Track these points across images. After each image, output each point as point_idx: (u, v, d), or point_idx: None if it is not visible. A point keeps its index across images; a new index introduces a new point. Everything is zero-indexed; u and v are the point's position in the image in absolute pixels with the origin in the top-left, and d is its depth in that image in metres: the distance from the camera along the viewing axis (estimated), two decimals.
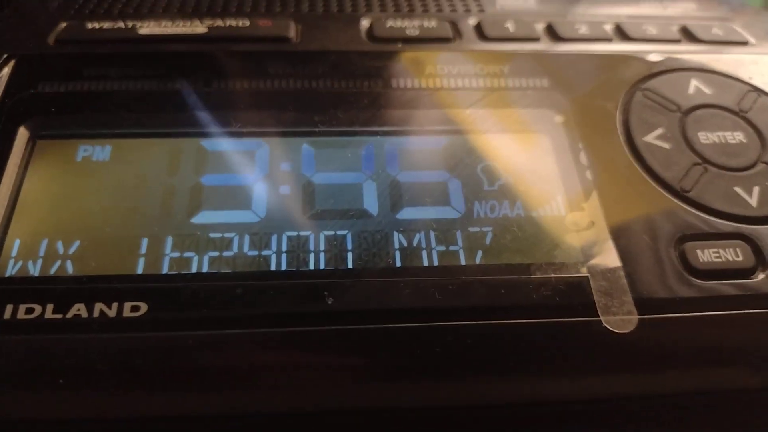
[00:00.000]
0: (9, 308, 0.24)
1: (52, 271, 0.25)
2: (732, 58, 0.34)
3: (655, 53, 0.33)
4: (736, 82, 0.32)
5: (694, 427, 0.27)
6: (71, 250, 0.26)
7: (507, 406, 0.25)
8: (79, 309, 0.24)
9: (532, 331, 0.24)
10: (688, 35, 0.35)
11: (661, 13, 0.38)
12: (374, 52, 0.32)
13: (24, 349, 0.23)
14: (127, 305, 0.24)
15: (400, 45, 0.33)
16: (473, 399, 0.25)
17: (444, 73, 0.32)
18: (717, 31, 0.35)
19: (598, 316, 0.24)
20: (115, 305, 0.24)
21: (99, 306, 0.24)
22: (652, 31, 0.35)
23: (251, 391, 0.24)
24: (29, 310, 0.24)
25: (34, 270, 0.25)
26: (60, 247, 0.26)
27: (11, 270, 0.25)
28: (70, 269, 0.25)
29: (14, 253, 0.25)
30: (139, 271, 0.25)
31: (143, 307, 0.24)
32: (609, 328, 0.24)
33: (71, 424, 0.24)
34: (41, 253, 0.26)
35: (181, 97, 0.30)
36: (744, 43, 0.35)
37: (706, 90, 0.32)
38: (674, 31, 0.35)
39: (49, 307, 0.24)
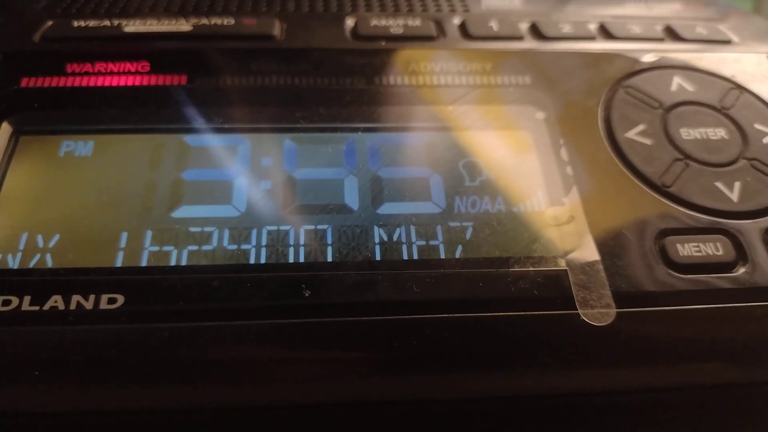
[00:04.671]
0: None
1: (32, 264, 0.25)
2: (715, 56, 0.34)
3: (638, 51, 0.33)
4: (718, 80, 0.32)
5: (672, 421, 0.27)
6: (51, 244, 0.26)
7: (484, 399, 0.25)
8: (56, 301, 0.24)
9: (510, 324, 0.24)
10: (672, 34, 0.35)
11: (646, 13, 0.38)
12: (358, 49, 0.32)
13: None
14: (104, 297, 0.24)
15: (384, 43, 0.33)
16: (450, 392, 0.25)
17: (427, 71, 0.32)
18: (701, 31, 0.35)
19: (577, 310, 0.24)
20: (92, 297, 0.24)
21: (76, 298, 0.24)
22: (635, 29, 0.35)
23: (227, 384, 0.24)
24: (6, 302, 0.24)
25: (13, 263, 0.25)
26: (40, 240, 0.26)
27: None
28: (49, 262, 0.25)
29: None
30: (118, 264, 0.25)
31: (120, 299, 0.24)
32: (587, 321, 0.24)
33: (46, 416, 0.24)
34: (21, 247, 0.26)
35: (164, 94, 0.30)
36: (728, 42, 0.35)
37: (689, 87, 0.32)
38: (658, 30, 0.35)
39: (26, 299, 0.24)
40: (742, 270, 0.26)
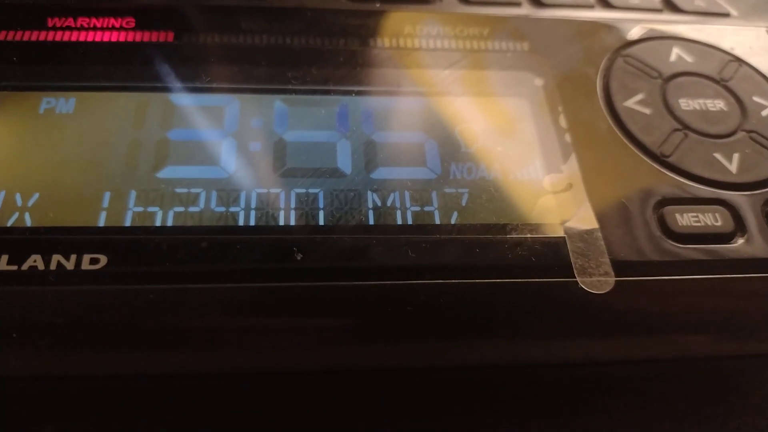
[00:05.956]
0: None
1: (9, 222, 0.24)
2: (714, 28, 0.33)
3: (636, 21, 0.33)
4: (717, 52, 0.32)
5: (666, 392, 0.27)
6: (30, 203, 0.25)
7: (479, 367, 0.24)
8: (35, 260, 0.23)
9: (507, 291, 0.23)
10: (670, 5, 0.34)
11: None
12: (352, 10, 0.31)
13: None
14: (86, 257, 0.23)
15: (378, 4, 0.32)
16: (446, 359, 0.24)
17: (423, 34, 0.31)
18: (699, 3, 0.35)
19: (575, 277, 0.24)
20: (73, 257, 0.23)
21: (56, 258, 0.23)
22: (633, 0, 0.34)
23: (215, 349, 0.23)
24: None
25: None
26: (18, 199, 0.25)
27: None
28: (28, 221, 0.24)
29: None
30: (101, 224, 0.24)
31: (103, 260, 0.23)
32: (585, 288, 0.24)
33: (24, 380, 0.23)
34: None
35: (150, 51, 0.29)
36: (726, 15, 0.35)
37: (688, 58, 0.31)
38: (656, 0, 0.35)
39: (4, 258, 0.23)
40: (740, 241, 0.25)
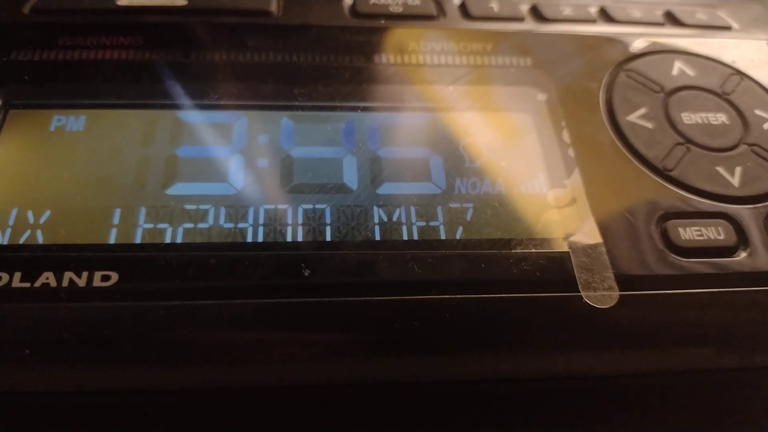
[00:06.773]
0: None
1: (22, 240, 0.25)
2: (715, 42, 0.34)
3: (638, 35, 0.33)
4: (719, 65, 0.32)
5: (670, 405, 0.27)
6: (42, 220, 0.25)
7: (484, 381, 0.25)
8: (47, 278, 0.23)
9: (512, 305, 0.24)
10: (672, 19, 0.35)
11: None
12: (357, 27, 0.32)
13: None
14: (98, 274, 0.23)
15: (383, 21, 0.32)
16: (450, 374, 0.25)
17: (427, 50, 0.31)
18: (701, 16, 0.35)
19: (579, 292, 0.24)
20: (84, 274, 0.23)
21: (68, 275, 0.23)
22: (636, 14, 0.34)
23: (224, 364, 0.23)
24: None
25: (3, 239, 0.24)
26: (30, 216, 0.25)
27: None
28: (40, 239, 0.25)
29: None
30: (111, 241, 0.25)
31: (114, 277, 0.23)
32: (590, 303, 0.24)
33: (36, 396, 0.23)
34: (11, 222, 0.25)
35: (158, 69, 0.29)
36: (728, 28, 0.35)
37: (690, 72, 0.32)
38: (658, 14, 0.35)
39: (17, 275, 0.23)
40: (743, 254, 0.26)
